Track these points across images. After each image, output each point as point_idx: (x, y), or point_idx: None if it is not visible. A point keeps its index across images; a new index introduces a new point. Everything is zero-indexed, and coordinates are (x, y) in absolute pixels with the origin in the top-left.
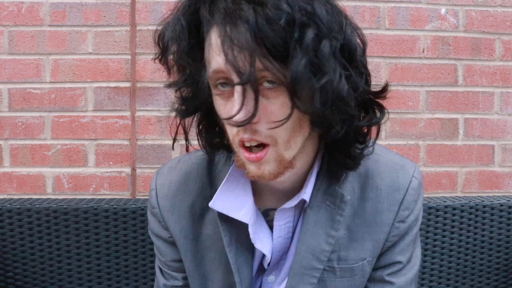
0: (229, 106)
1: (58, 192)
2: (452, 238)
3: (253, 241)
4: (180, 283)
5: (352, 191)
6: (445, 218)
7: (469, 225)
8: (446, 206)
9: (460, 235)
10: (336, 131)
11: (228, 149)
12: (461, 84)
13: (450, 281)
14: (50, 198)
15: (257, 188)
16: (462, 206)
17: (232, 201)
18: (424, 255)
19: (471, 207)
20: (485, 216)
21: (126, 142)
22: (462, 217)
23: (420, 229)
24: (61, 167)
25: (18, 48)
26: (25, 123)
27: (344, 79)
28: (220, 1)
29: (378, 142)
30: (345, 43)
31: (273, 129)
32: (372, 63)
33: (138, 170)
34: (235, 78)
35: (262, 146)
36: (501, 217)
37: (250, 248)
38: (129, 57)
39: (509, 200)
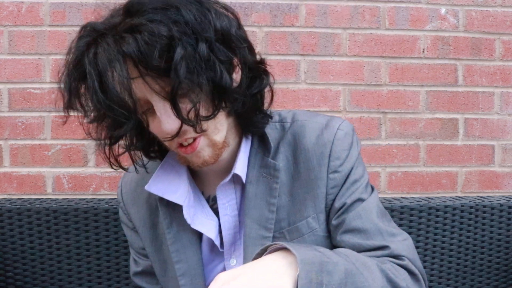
0: (156, 122)
1: (58, 192)
2: (452, 238)
3: (188, 221)
4: (147, 267)
5: (286, 160)
6: (445, 218)
7: (469, 225)
8: (446, 206)
9: (460, 235)
10: (236, 107)
11: (162, 153)
12: (461, 84)
13: (450, 281)
14: (50, 198)
15: (200, 176)
16: (462, 206)
17: (167, 185)
18: (424, 255)
19: (471, 207)
20: (485, 216)
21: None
22: (462, 217)
23: (420, 229)
24: (61, 167)
25: (18, 48)
26: (25, 123)
27: (226, 73)
28: (102, 45)
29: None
30: (217, 34)
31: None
32: (372, 63)
33: None
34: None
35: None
36: (501, 217)
37: (195, 232)
38: None
39: (509, 200)
